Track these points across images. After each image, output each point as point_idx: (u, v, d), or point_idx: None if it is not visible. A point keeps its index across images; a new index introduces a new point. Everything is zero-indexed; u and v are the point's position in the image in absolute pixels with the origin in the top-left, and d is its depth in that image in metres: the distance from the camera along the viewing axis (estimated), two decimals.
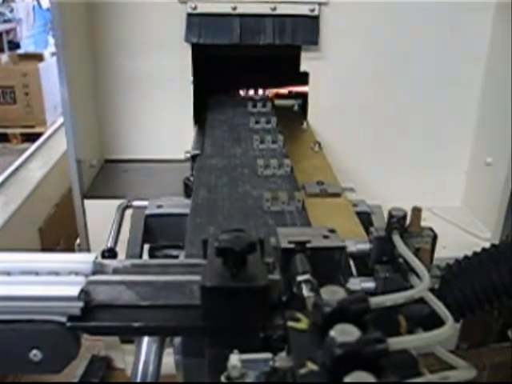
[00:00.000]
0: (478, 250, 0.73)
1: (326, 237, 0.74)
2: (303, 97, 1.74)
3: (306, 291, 0.63)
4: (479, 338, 1.71)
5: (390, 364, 0.46)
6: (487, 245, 0.73)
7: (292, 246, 0.71)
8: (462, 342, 1.66)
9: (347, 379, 0.42)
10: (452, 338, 1.61)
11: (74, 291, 0.64)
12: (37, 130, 4.01)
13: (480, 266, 0.71)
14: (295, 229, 0.78)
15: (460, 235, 1.70)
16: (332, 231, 0.75)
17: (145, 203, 1.07)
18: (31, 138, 3.58)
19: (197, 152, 1.30)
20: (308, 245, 0.71)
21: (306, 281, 0.64)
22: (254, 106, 1.60)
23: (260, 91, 1.91)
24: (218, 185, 1.12)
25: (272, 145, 1.32)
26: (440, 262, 0.73)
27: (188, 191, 1.16)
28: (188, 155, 1.29)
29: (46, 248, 2.00)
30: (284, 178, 1.15)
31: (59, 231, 2.08)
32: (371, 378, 0.42)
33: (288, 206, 1.00)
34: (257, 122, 1.47)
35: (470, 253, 0.74)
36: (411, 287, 0.64)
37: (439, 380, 0.49)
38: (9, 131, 4.27)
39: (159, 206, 1.05)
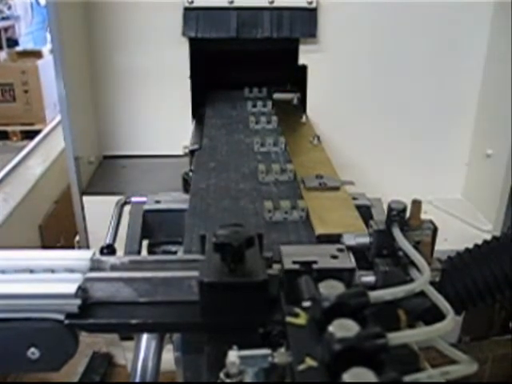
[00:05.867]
0: (480, 242, 0.73)
1: (334, 257, 0.68)
2: (302, 90, 1.73)
3: None
4: (481, 330, 1.71)
5: (390, 359, 0.45)
6: (488, 237, 0.73)
7: (296, 266, 0.65)
8: (464, 335, 1.66)
9: (345, 375, 0.41)
10: (454, 330, 1.60)
11: (72, 288, 0.64)
12: (36, 127, 4.01)
13: (481, 258, 0.70)
14: (300, 247, 0.72)
15: (461, 227, 1.69)
16: (340, 250, 0.70)
17: (143, 199, 1.06)
18: (31, 135, 3.57)
19: (195, 147, 1.29)
20: (314, 266, 0.66)
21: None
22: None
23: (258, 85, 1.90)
24: (218, 135, 1.37)
25: (263, 108, 1.55)
26: (441, 254, 0.72)
27: (186, 186, 1.15)
28: (186, 150, 1.29)
29: (46, 245, 1.99)
30: (272, 131, 1.37)
31: (59, 228, 2.07)
32: (370, 374, 0.42)
33: (274, 148, 1.24)
34: (251, 92, 1.70)
35: (471, 245, 0.73)
36: (411, 281, 0.63)
37: (440, 375, 0.48)
38: (8, 129, 4.27)
39: (157, 202, 1.04)
